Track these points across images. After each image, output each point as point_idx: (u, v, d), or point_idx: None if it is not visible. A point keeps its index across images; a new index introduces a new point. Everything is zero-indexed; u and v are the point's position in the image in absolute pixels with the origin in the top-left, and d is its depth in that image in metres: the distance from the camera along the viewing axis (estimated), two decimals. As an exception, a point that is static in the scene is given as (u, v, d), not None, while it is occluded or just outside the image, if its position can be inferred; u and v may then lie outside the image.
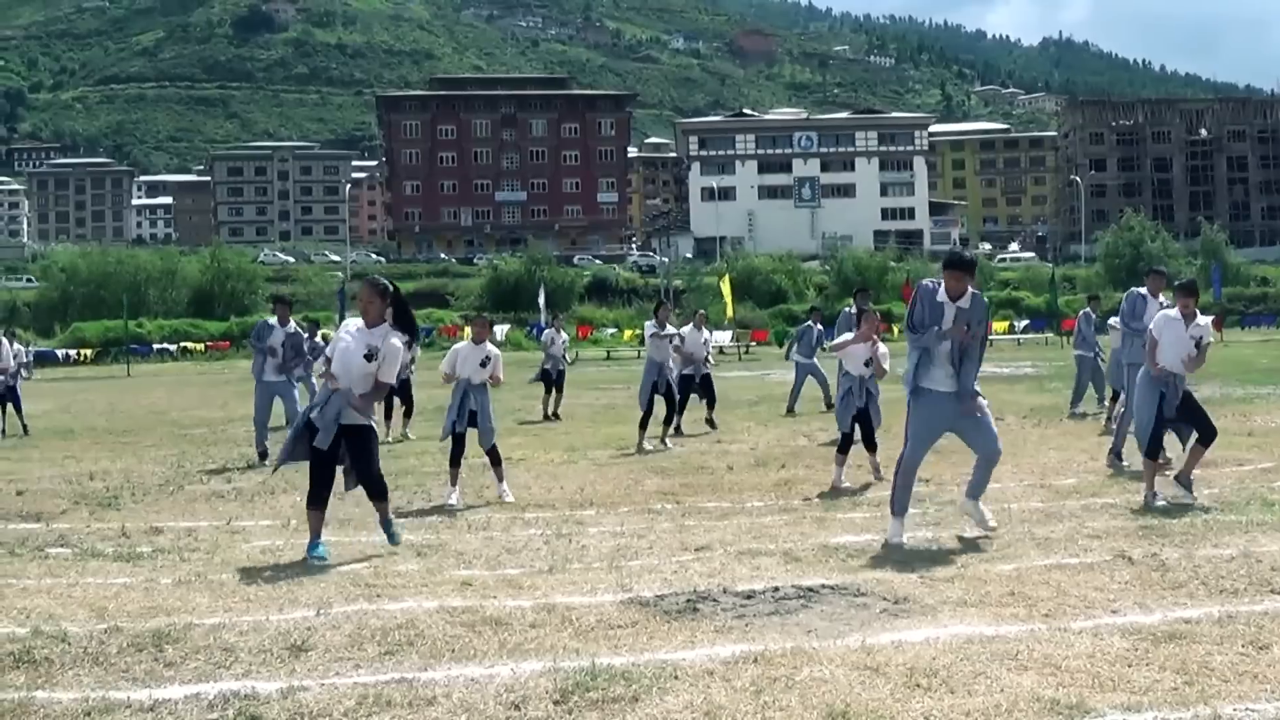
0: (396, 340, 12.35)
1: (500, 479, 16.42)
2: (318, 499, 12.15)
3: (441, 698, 7.47)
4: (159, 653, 8.61)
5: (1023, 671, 7.69)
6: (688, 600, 9.78)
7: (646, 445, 22.21)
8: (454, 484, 16.13)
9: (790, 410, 29.57)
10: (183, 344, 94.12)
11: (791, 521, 13.63)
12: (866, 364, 17.35)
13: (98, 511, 16.09)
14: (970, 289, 12.27)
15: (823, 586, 10.16)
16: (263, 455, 21.72)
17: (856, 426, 17.54)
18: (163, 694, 7.70)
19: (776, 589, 10.10)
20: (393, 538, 12.48)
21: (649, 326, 23.89)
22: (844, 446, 17.09)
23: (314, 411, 12.06)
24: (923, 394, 12.35)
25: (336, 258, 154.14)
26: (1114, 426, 19.41)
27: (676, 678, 7.65)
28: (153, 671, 8.23)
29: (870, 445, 17.58)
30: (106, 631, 9.18)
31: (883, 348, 17.57)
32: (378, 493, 12.42)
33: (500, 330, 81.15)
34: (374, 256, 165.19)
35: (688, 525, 13.60)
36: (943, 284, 12.28)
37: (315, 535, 12.13)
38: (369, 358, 12.05)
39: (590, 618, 9.26)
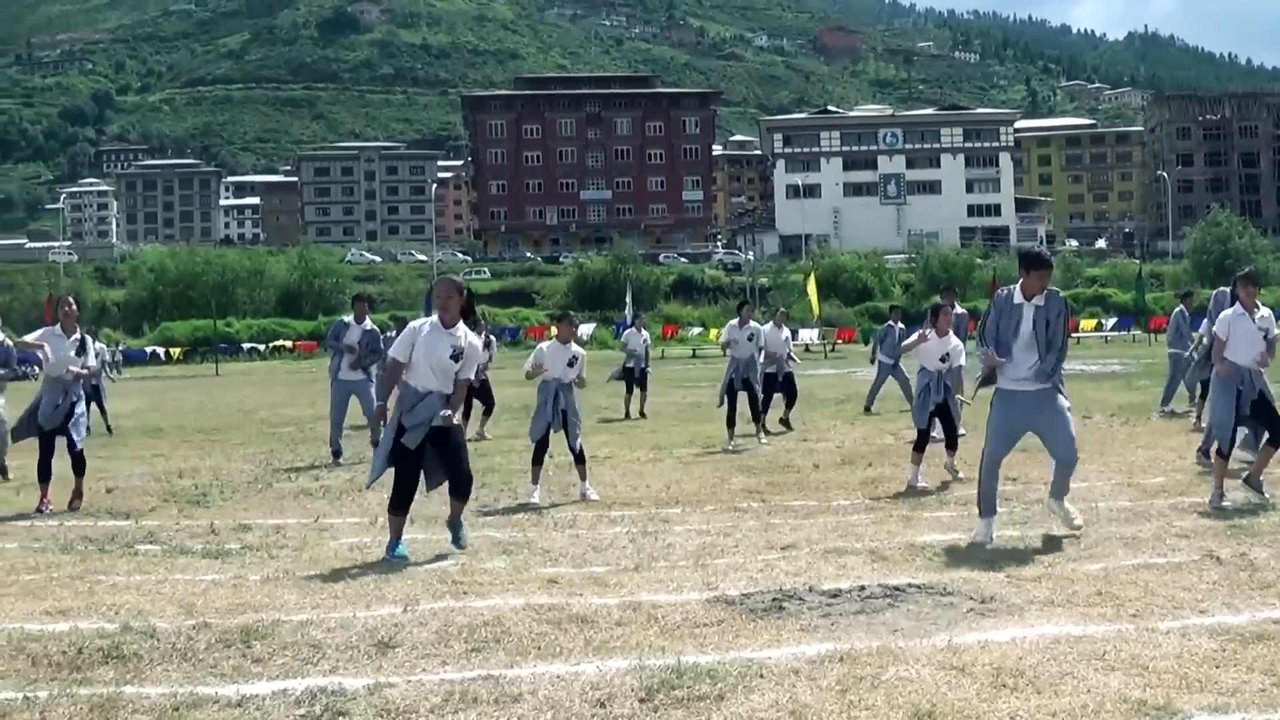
0: (476, 339, 12.41)
1: (584, 477, 16.47)
2: (402, 503, 12.18)
3: (527, 695, 7.48)
4: (247, 649, 8.67)
5: (1109, 672, 7.63)
6: (773, 599, 9.76)
7: (730, 446, 22.17)
8: (535, 482, 16.19)
9: (868, 409, 29.45)
10: (271, 343, 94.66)
11: (878, 520, 13.59)
12: (943, 359, 17.27)
13: (186, 509, 16.23)
14: (1048, 288, 12.21)
15: (909, 585, 10.12)
16: (337, 454, 21.83)
17: (936, 423, 17.45)
18: (250, 690, 7.75)
19: (863, 588, 10.07)
20: (459, 540, 12.41)
21: (729, 327, 23.84)
22: (920, 445, 17.03)
23: (403, 415, 12.08)
24: (1002, 393, 12.31)
25: (423, 257, 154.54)
26: (1203, 425, 19.24)
27: (762, 676, 7.65)
28: (240, 667, 8.29)
29: (951, 444, 17.47)
30: (195, 628, 9.25)
31: (956, 342, 17.51)
32: (463, 491, 12.40)
33: (585, 329, 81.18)
34: (460, 256, 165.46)
35: (774, 523, 13.58)
36: (1019, 285, 12.25)
37: (396, 536, 12.17)
38: (455, 358, 12.11)
39: (676, 616, 9.26)
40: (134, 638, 8.97)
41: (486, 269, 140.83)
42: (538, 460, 16.30)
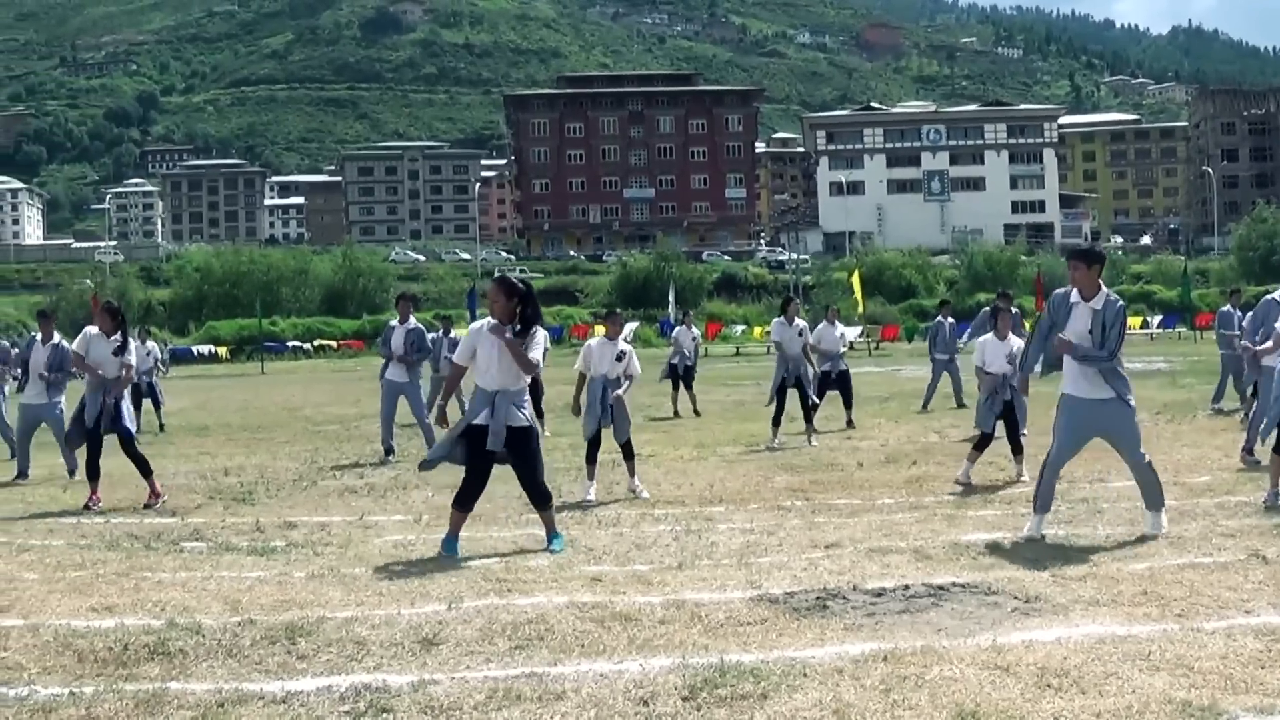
0: (539, 333, 12.45)
1: (633, 473, 16.50)
2: (467, 501, 12.22)
3: (571, 692, 7.50)
4: (292, 645, 8.72)
5: (1155, 672, 7.61)
6: (817, 598, 9.75)
7: (774, 443, 22.14)
8: (591, 479, 16.22)
9: (926, 406, 29.39)
10: (316, 341, 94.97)
11: (922, 519, 13.57)
12: (1009, 360, 17.21)
13: (232, 506, 16.31)
14: (1105, 290, 12.15)
15: (953, 585, 10.10)
16: (388, 452, 21.92)
17: (1000, 425, 17.37)
18: (295, 686, 7.80)
19: (907, 587, 10.06)
20: (554, 541, 12.39)
21: (776, 325, 23.77)
22: (981, 444, 16.96)
23: (480, 415, 12.13)
24: (1069, 400, 12.26)
25: (467, 256, 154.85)
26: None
27: (805, 675, 7.64)
28: (285, 664, 8.33)
29: (1017, 448, 17.36)
30: (240, 624, 9.30)
31: (1019, 342, 17.46)
32: (542, 501, 12.43)
33: (629, 328, 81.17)
34: (504, 254, 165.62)
35: (818, 522, 13.57)
36: (1073, 285, 12.22)
37: (453, 533, 12.21)
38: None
39: (719, 614, 9.26)
40: (179, 634, 9.02)
41: (525, 268, 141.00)
42: (591, 459, 16.32)
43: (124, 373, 17.07)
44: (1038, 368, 13.09)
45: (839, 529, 13.05)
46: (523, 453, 12.17)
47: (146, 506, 16.24)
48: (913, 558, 11.31)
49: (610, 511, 14.94)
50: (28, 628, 9.34)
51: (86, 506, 16.27)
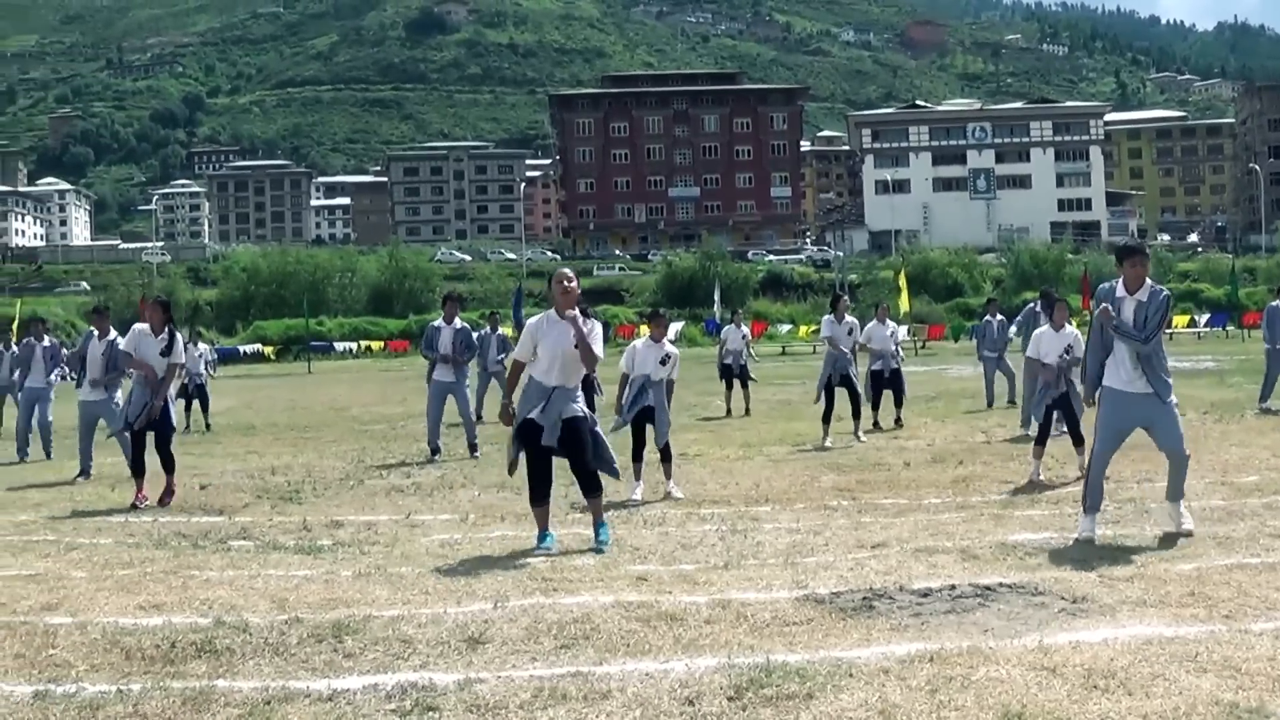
0: (595, 325, 12.51)
1: (669, 476, 16.48)
2: (541, 496, 12.38)
3: (616, 692, 7.51)
4: (338, 644, 8.76)
5: (1202, 674, 7.57)
6: (863, 598, 9.74)
7: (825, 443, 22.10)
8: (638, 478, 16.23)
9: (990, 404, 29.29)
10: (362, 341, 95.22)
11: (969, 519, 13.53)
12: (1065, 352, 17.13)
13: (279, 505, 16.37)
14: (1150, 283, 12.13)
15: (1000, 585, 10.07)
16: (434, 451, 21.95)
17: (1054, 418, 17.29)
18: (341, 684, 7.84)
19: (953, 587, 10.03)
20: (601, 539, 12.43)
21: (826, 322, 23.71)
22: (1041, 438, 16.92)
23: (533, 412, 12.18)
24: (1109, 392, 12.22)
25: (512, 255, 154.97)
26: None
27: (851, 676, 7.63)
28: (332, 662, 8.38)
29: (1078, 439, 17.20)
30: (287, 622, 9.36)
31: (1074, 331, 17.40)
32: (593, 488, 12.53)
33: (674, 327, 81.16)
34: (549, 254, 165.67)
35: (864, 522, 13.55)
36: (1120, 278, 12.20)
37: (543, 528, 12.39)
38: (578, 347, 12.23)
39: (765, 614, 9.25)
40: (226, 632, 9.08)
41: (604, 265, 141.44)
42: (636, 457, 16.36)
43: (171, 371, 17.15)
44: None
45: (885, 529, 13.04)
46: (574, 442, 12.26)
47: (160, 503, 16.31)
48: (959, 558, 11.29)
49: (656, 511, 14.95)
50: (76, 625, 9.41)
51: (134, 505, 16.36)
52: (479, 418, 26.19)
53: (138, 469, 16.85)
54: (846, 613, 9.27)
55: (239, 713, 7.33)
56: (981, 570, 10.71)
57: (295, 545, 12.97)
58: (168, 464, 16.87)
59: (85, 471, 20.45)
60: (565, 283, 12.40)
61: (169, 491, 16.72)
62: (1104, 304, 12.16)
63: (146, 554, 12.65)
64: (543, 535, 12.34)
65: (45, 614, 9.85)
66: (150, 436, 16.99)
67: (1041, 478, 16.36)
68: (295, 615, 9.55)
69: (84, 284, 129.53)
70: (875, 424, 24.73)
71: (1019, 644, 8.26)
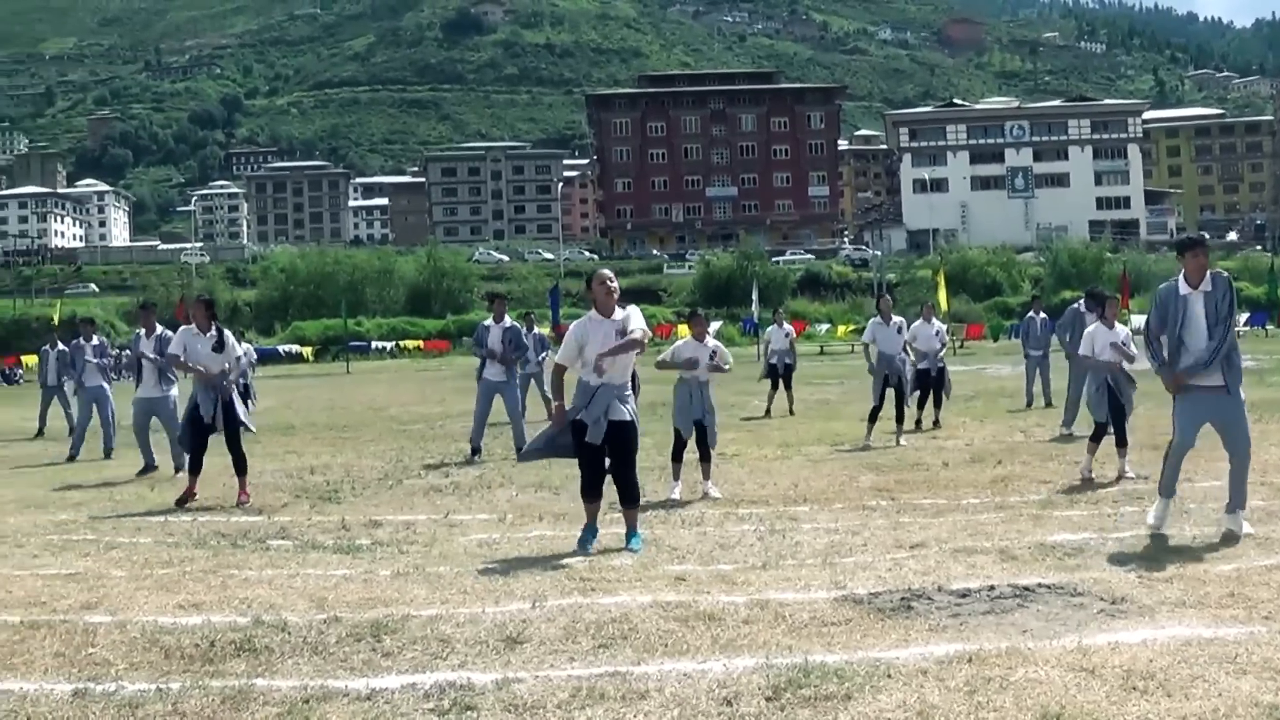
0: (633, 308, 12.57)
1: (707, 476, 16.48)
2: (594, 490, 12.46)
3: (654, 692, 7.51)
4: (377, 643, 8.78)
5: (1241, 675, 7.53)
6: (902, 598, 9.72)
7: (868, 442, 22.07)
8: (677, 478, 16.25)
9: (1029, 404, 29.19)
10: (400, 341, 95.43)
11: (1007, 519, 13.50)
12: (1117, 349, 17.06)
13: (318, 505, 16.43)
14: (1210, 271, 12.10)
15: (1039, 585, 10.04)
16: (475, 450, 21.96)
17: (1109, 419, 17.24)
18: (380, 683, 7.85)
19: (992, 588, 10.01)
20: (632, 546, 12.37)
21: (872, 324, 23.65)
22: (1096, 436, 16.88)
23: (580, 411, 12.23)
24: (1185, 390, 12.15)
25: (550, 256, 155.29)
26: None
27: (890, 676, 7.62)
28: (370, 661, 8.40)
29: (1121, 441, 17.14)
30: (325, 622, 9.39)
31: (1124, 330, 17.34)
32: (631, 498, 12.54)
33: (712, 327, 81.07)
34: (587, 254, 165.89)
35: (902, 522, 13.53)
36: (1181, 274, 12.16)
37: (591, 523, 12.50)
38: (621, 334, 12.33)
39: (803, 614, 9.25)
40: (265, 631, 9.12)
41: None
42: (677, 457, 16.42)
43: (228, 365, 17.25)
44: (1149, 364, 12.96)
45: (924, 529, 13.01)
46: (622, 447, 12.31)
47: (239, 504, 16.39)
48: (998, 558, 11.26)
49: (694, 511, 14.95)
50: (116, 624, 9.45)
51: (182, 502, 16.43)
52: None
53: (194, 466, 16.93)
54: (885, 613, 9.26)
55: (277, 711, 7.36)
56: (1020, 571, 10.69)
57: (334, 544, 13.01)
58: (240, 465, 16.93)
59: (150, 465, 20.64)
60: (608, 283, 12.44)
61: (243, 494, 16.78)
62: (1179, 373, 12.16)
63: (186, 553, 12.71)
64: (589, 530, 12.46)
65: (85, 613, 9.90)
66: (220, 439, 17.10)
67: (1092, 475, 16.30)
68: (334, 614, 9.57)
69: (92, 285, 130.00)
70: (917, 423, 24.67)
71: (1058, 645, 8.24)
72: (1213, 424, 12.30)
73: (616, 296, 12.52)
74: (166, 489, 18.07)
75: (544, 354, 28.61)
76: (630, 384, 12.79)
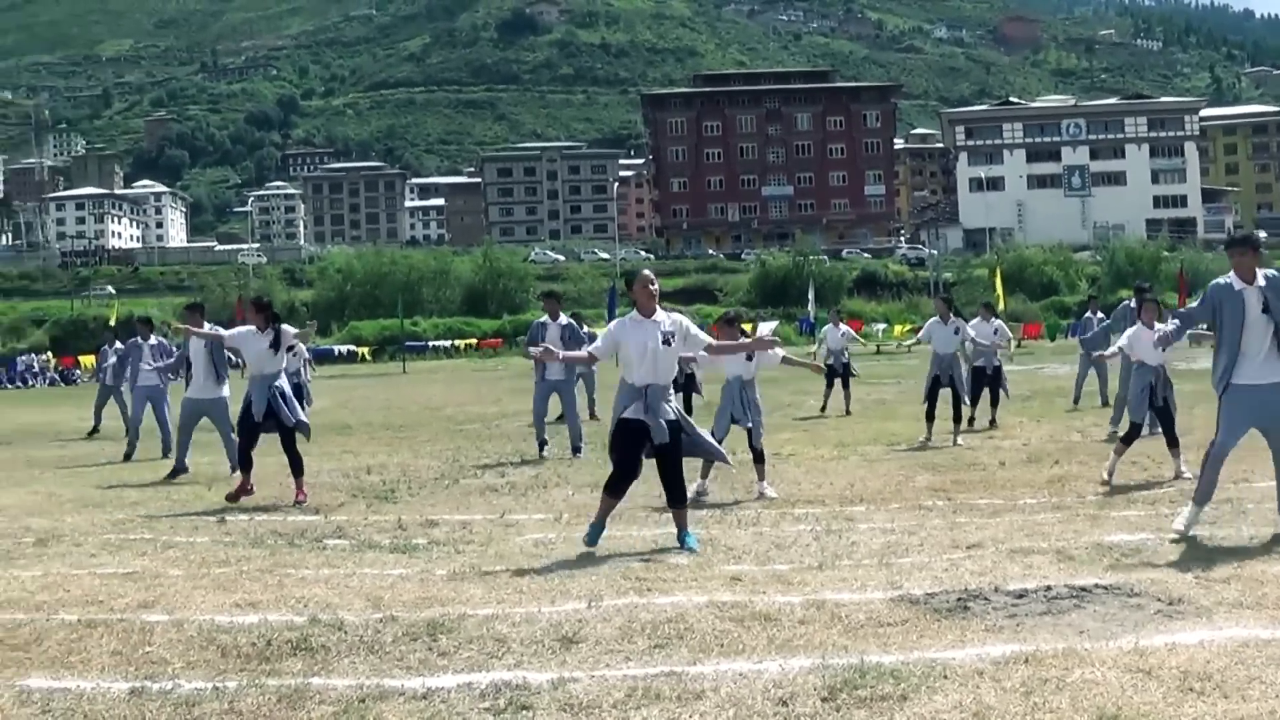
0: (678, 315, 12.59)
1: (762, 477, 16.46)
2: (619, 489, 12.39)
3: (710, 692, 7.49)
4: (433, 642, 8.80)
5: (1300, 676, 7.49)
6: (958, 599, 9.70)
7: (924, 440, 22.03)
8: (704, 477, 16.28)
9: (1096, 401, 29.08)
10: (457, 341, 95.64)
11: (1064, 519, 13.44)
12: (1158, 347, 16.96)
13: (375, 504, 16.50)
14: (1260, 270, 12.00)
15: (1096, 586, 9.99)
16: (541, 445, 22.06)
17: (1148, 420, 17.13)
18: (436, 682, 7.86)
19: (1049, 588, 9.96)
20: (686, 544, 12.34)
21: (929, 325, 23.60)
22: (1129, 438, 16.74)
23: (630, 409, 12.24)
24: (1233, 388, 12.01)
25: (606, 255, 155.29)
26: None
27: (946, 677, 7.60)
28: (426, 660, 8.41)
29: (1172, 441, 17.02)
30: (382, 621, 9.41)
31: (1161, 327, 17.23)
32: (679, 498, 12.49)
33: (766, 327, 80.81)
34: (643, 254, 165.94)
35: (959, 522, 13.49)
36: (1232, 273, 12.06)
37: (600, 520, 12.39)
38: (667, 342, 12.29)
39: (860, 615, 9.22)
40: (322, 630, 9.15)
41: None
42: None
43: (286, 361, 17.37)
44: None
45: (980, 529, 12.97)
46: (672, 448, 12.25)
47: (296, 504, 16.46)
48: (1055, 558, 11.21)
49: (750, 511, 14.94)
50: (173, 623, 9.50)
51: (234, 497, 16.52)
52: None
53: (245, 462, 17.02)
54: (941, 614, 9.23)
55: (334, 710, 7.39)
56: (1077, 571, 10.64)
57: (390, 544, 13.05)
58: (296, 466, 17.02)
59: (181, 469, 20.68)
60: (650, 286, 12.46)
61: (301, 493, 16.88)
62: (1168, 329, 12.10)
63: (243, 552, 12.78)
64: (596, 527, 12.36)
65: (142, 611, 9.96)
66: (275, 440, 17.19)
67: (1112, 478, 16.11)
68: (390, 614, 9.60)
69: (110, 289, 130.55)
70: (970, 420, 24.58)
71: (1114, 646, 8.20)
72: (1258, 426, 12.17)
73: (658, 298, 12.51)
74: (223, 488, 18.14)
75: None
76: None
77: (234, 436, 19.01)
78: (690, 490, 15.77)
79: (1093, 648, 8.15)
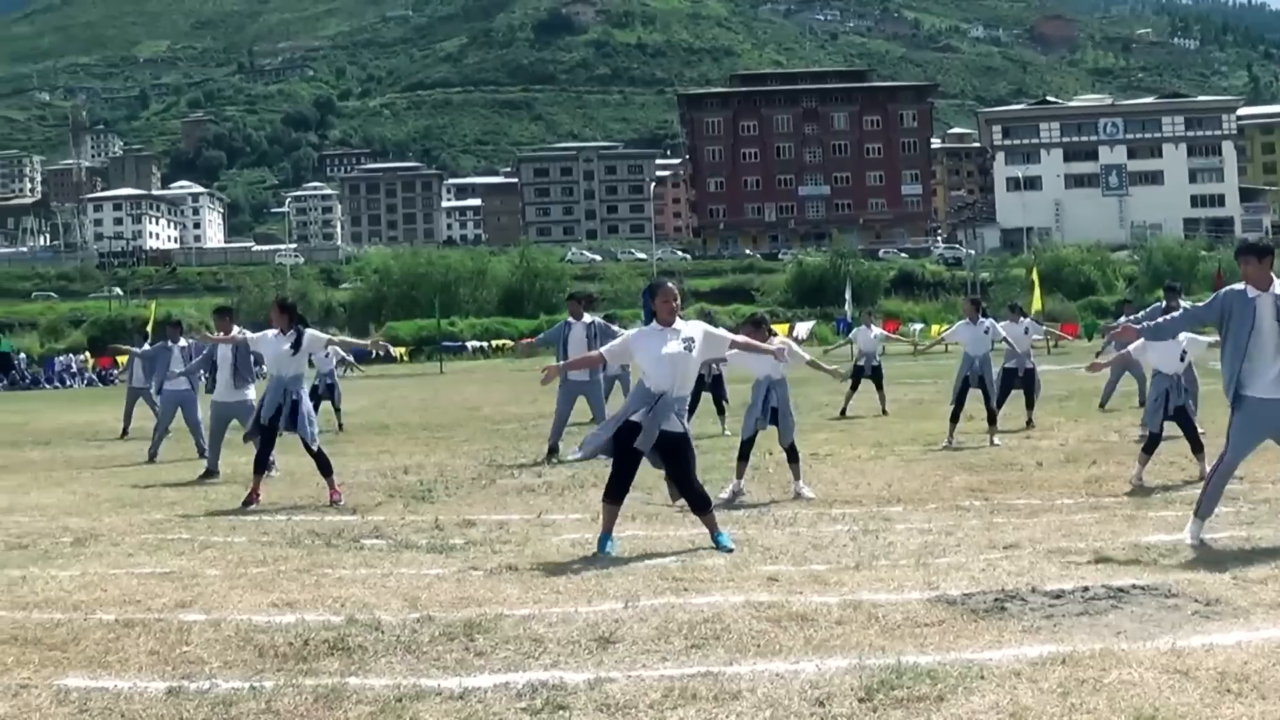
0: (696, 321, 12.63)
1: (798, 476, 16.45)
2: (617, 494, 12.36)
3: (746, 692, 7.50)
4: (470, 642, 8.82)
5: (1339, 677, 7.46)
6: (995, 599, 9.69)
7: (950, 442, 21.99)
8: (739, 477, 16.29)
9: (1134, 401, 28.99)
10: (494, 342, 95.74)
11: (1102, 520, 13.42)
12: (1180, 358, 16.88)
13: (412, 504, 16.53)
14: (1275, 278, 11.90)
15: (1133, 587, 9.97)
16: (552, 451, 22.04)
17: (1168, 427, 17.06)
18: (472, 682, 7.88)
19: (1086, 589, 9.94)
20: (721, 544, 12.32)
21: (960, 325, 23.54)
22: (1150, 446, 16.68)
23: (637, 413, 12.21)
24: (1246, 401, 11.87)
25: (642, 255, 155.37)
26: None
27: (982, 678, 7.60)
28: (463, 660, 8.44)
29: (1196, 447, 16.89)
30: (419, 621, 9.44)
31: (1186, 336, 17.16)
32: (700, 505, 12.44)
33: (804, 327, 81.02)
34: (679, 254, 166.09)
35: (996, 523, 13.48)
36: (1245, 280, 11.92)
37: (607, 530, 12.33)
38: (688, 349, 12.28)
39: (896, 615, 9.23)
40: (359, 630, 9.18)
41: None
42: (744, 457, 16.39)
43: (302, 369, 17.41)
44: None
45: (1017, 529, 12.96)
46: (678, 459, 12.29)
47: (332, 503, 16.50)
48: (1092, 559, 11.19)
49: (787, 511, 14.92)
50: (210, 623, 9.54)
51: (246, 503, 16.57)
52: None
53: (259, 466, 17.06)
54: (978, 614, 9.23)
55: (371, 710, 7.41)
56: (1114, 572, 10.62)
57: (427, 544, 13.08)
58: (323, 466, 17.03)
59: (213, 471, 20.70)
60: (672, 302, 12.47)
61: (334, 493, 16.90)
62: (1117, 326, 12.06)
63: (280, 552, 12.81)
64: (604, 539, 12.30)
65: (179, 611, 10.00)
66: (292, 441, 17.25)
67: (1143, 482, 16.09)
68: (427, 613, 9.63)
69: (117, 290, 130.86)
70: (990, 418, 24.49)
71: (1151, 646, 8.19)
72: (1274, 439, 12.05)
73: (679, 310, 12.53)
74: (264, 489, 18.22)
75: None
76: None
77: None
78: (726, 491, 15.84)
79: (1130, 648, 8.14)
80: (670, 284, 12.82)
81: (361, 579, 11.21)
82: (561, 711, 7.28)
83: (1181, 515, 13.46)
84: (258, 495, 16.88)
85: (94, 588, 11.08)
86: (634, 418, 12.19)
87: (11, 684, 8.07)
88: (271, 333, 17.31)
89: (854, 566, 11.21)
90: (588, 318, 22.62)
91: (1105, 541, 12.04)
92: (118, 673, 8.34)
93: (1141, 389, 28.74)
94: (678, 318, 12.49)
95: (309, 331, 17.50)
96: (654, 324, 12.52)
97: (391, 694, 7.67)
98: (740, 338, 13.73)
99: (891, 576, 10.69)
